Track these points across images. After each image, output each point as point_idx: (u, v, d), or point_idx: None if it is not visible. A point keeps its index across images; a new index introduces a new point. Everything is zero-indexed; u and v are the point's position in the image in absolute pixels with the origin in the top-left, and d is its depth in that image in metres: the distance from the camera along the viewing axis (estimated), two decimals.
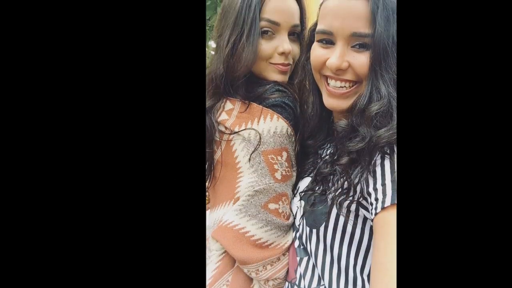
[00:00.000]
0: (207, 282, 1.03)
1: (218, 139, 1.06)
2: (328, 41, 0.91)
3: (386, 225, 0.69)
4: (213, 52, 1.16)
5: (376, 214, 0.72)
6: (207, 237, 1.09)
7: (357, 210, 0.83)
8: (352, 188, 0.82)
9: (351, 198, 0.83)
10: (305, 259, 0.96)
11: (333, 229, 0.88)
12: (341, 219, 0.87)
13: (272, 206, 0.98)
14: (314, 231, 0.92)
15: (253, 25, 1.02)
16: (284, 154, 1.00)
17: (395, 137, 0.75)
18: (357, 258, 0.86)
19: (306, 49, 1.06)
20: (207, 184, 1.13)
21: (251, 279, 1.03)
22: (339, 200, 0.84)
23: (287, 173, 1.01)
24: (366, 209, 0.80)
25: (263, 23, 1.04)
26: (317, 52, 0.93)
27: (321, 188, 0.94)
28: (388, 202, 0.70)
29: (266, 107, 1.01)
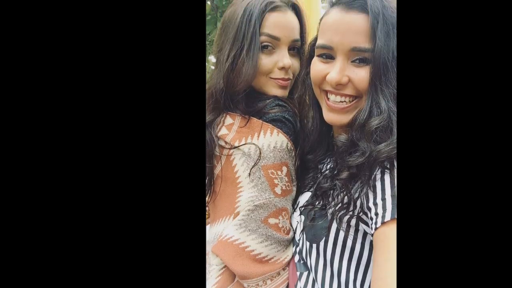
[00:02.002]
0: None
1: (218, 154, 1.06)
2: (328, 55, 0.91)
3: (386, 239, 0.69)
4: (213, 67, 1.17)
5: (376, 228, 0.71)
6: (207, 251, 1.08)
7: (357, 225, 0.83)
8: (352, 203, 0.82)
9: (351, 212, 0.82)
10: (305, 273, 0.95)
11: (333, 244, 0.88)
12: (341, 234, 0.86)
13: (272, 220, 0.97)
14: (314, 245, 0.92)
15: (253, 40, 1.02)
16: (284, 168, 1.00)
17: (395, 151, 0.75)
18: (357, 273, 0.86)
19: (306, 64, 1.06)
20: (207, 198, 1.13)
21: None
22: (339, 214, 0.84)
23: (287, 187, 1.01)
24: (366, 223, 0.80)
25: (263, 38, 1.04)
26: (317, 66, 0.94)
27: (321, 202, 0.93)
28: (388, 216, 0.70)
29: (266, 121, 1.01)
